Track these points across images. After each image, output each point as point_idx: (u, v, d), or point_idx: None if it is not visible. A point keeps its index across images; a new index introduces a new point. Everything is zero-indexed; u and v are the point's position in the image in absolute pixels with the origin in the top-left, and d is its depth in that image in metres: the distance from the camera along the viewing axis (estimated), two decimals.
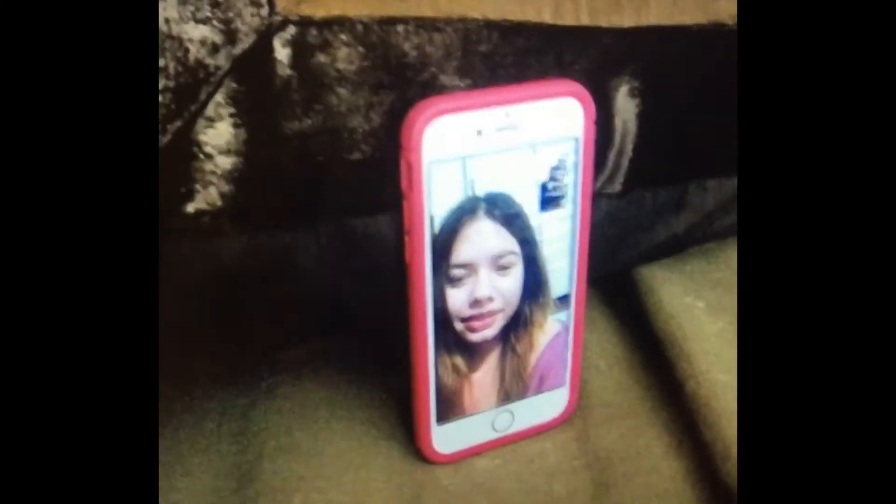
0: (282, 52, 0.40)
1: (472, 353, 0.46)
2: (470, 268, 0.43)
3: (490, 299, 0.44)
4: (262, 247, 0.44)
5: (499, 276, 0.44)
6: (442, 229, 0.42)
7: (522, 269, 0.45)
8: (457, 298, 0.44)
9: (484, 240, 0.43)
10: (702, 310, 0.53)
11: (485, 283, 0.44)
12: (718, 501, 0.46)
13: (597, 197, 0.48)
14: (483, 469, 0.48)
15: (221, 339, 0.48)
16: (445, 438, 0.47)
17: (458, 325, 0.45)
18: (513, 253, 0.44)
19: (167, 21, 0.39)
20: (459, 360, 0.46)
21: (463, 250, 0.43)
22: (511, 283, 0.45)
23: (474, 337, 0.45)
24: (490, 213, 0.43)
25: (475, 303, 0.44)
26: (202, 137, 0.41)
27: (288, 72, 0.41)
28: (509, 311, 0.45)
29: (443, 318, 0.44)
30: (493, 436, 0.48)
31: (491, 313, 0.45)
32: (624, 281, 0.57)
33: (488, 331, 0.46)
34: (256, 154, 0.42)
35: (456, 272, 0.43)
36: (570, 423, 0.50)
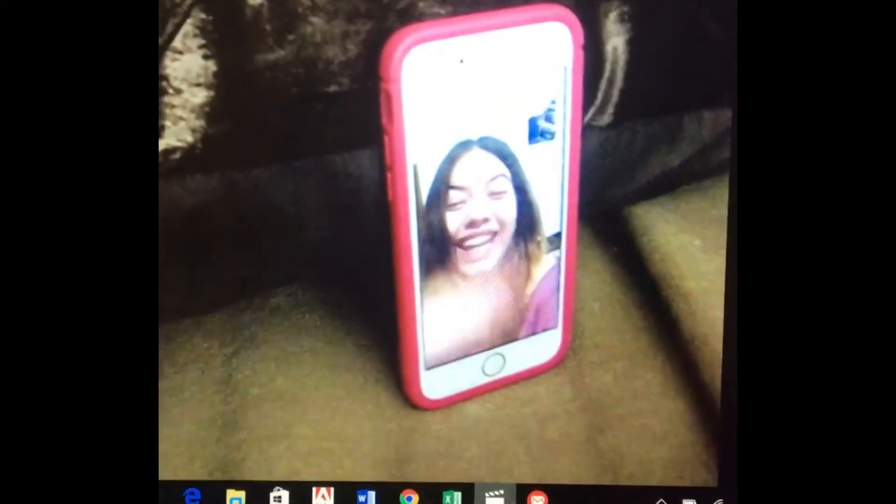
0: None
1: (462, 291, 0.45)
2: (464, 192, 0.42)
3: (485, 220, 0.44)
4: (236, 185, 0.43)
5: (492, 199, 0.43)
6: (427, 161, 0.41)
7: (514, 195, 0.44)
8: (451, 224, 0.43)
9: (475, 167, 0.42)
10: (698, 248, 0.53)
11: (479, 205, 0.43)
12: (718, 442, 0.45)
13: (587, 129, 0.47)
14: (474, 414, 0.47)
15: (198, 285, 0.47)
16: (434, 384, 0.47)
17: (458, 254, 0.44)
18: (503, 176, 0.43)
19: None
20: (448, 301, 0.45)
21: (455, 178, 0.42)
22: (505, 207, 0.44)
23: (470, 269, 0.44)
24: (478, 144, 0.42)
25: (471, 223, 0.43)
26: (170, 71, 0.40)
27: (259, 1, 0.39)
28: (505, 239, 0.44)
29: (434, 252, 0.43)
30: (483, 380, 0.48)
31: (489, 234, 0.44)
32: (617, 220, 0.57)
33: (484, 262, 0.45)
34: (228, 87, 0.41)
35: (450, 198, 0.42)
36: (563, 366, 0.50)
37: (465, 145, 0.41)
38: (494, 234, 0.44)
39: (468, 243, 0.44)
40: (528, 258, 0.46)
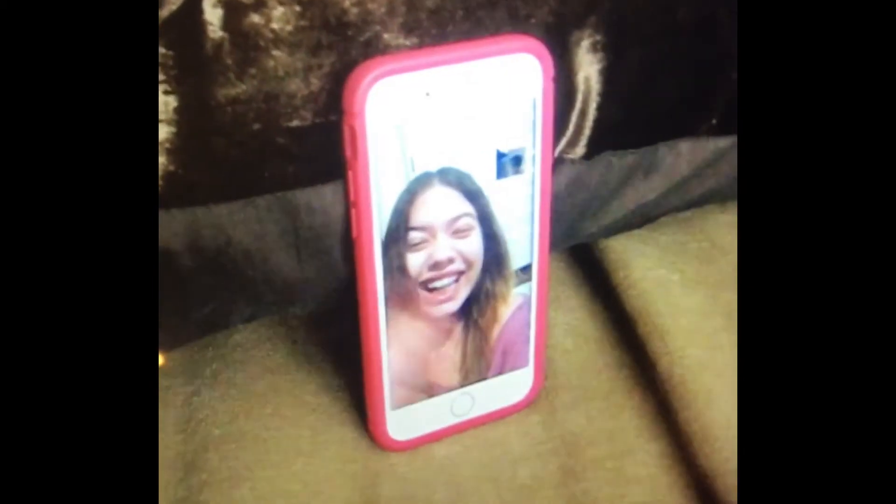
0: (212, 14, 0.40)
1: (429, 330, 0.46)
2: (426, 233, 0.43)
3: (450, 260, 0.45)
4: (198, 222, 0.43)
5: (457, 238, 0.44)
6: (391, 198, 0.42)
7: (480, 232, 0.45)
8: (414, 265, 0.44)
9: (438, 205, 0.43)
10: (676, 283, 0.54)
11: (443, 246, 0.44)
12: (697, 486, 0.46)
13: (558, 162, 0.48)
14: (442, 456, 0.48)
15: (159, 323, 0.47)
16: (401, 424, 0.47)
17: (422, 295, 0.45)
18: (468, 215, 0.44)
19: None
20: (415, 340, 0.46)
21: (416, 217, 0.43)
22: (471, 245, 0.45)
23: (436, 311, 0.45)
24: (442, 180, 0.43)
25: (435, 265, 0.44)
26: None
27: (219, 34, 0.40)
28: (472, 278, 0.46)
29: (398, 291, 0.44)
30: (452, 421, 0.49)
31: (455, 274, 0.45)
32: (591, 254, 0.57)
33: (451, 304, 0.46)
34: (189, 123, 0.41)
35: (411, 238, 0.43)
36: (534, 406, 0.50)
37: (426, 181, 0.42)
38: (461, 273, 0.45)
39: (432, 285, 0.45)
40: (497, 296, 0.47)
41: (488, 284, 0.46)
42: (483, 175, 0.43)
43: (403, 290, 0.44)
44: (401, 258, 0.43)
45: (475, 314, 0.46)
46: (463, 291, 0.45)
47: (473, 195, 0.44)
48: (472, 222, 0.44)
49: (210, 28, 0.40)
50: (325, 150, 0.42)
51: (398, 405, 0.47)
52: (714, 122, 0.51)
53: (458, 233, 0.44)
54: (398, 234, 0.43)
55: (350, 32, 0.41)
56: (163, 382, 0.51)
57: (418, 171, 0.42)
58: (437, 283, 0.45)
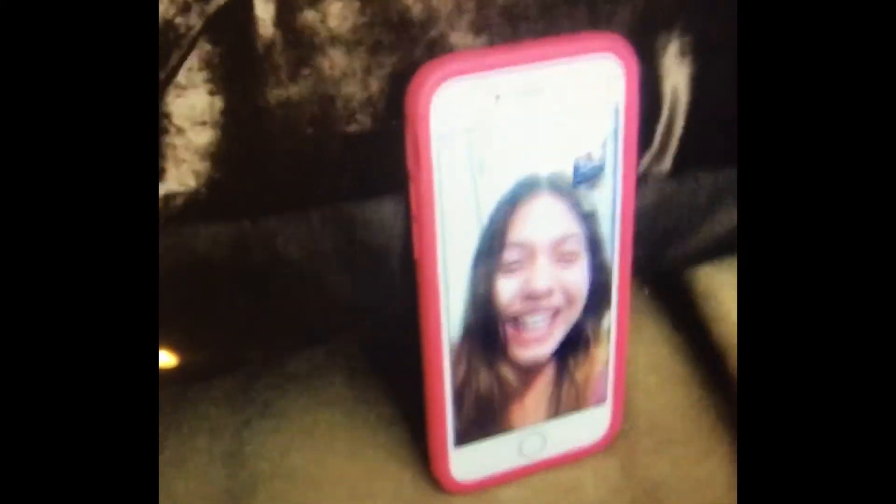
0: (263, 9, 0.38)
1: (504, 370, 0.43)
2: (523, 252, 0.40)
3: (549, 292, 0.41)
4: (245, 235, 0.42)
5: (560, 266, 0.41)
6: (459, 214, 0.39)
7: (587, 262, 0.41)
8: (502, 292, 0.41)
9: (541, 220, 0.40)
10: None
11: (543, 274, 0.41)
12: None
13: (643, 178, 0.45)
14: (508, 500, 0.45)
15: (207, 346, 0.46)
16: (465, 464, 0.44)
17: (503, 332, 0.41)
18: (575, 237, 0.41)
19: None
20: (481, 371, 0.43)
21: (513, 231, 0.40)
22: (575, 277, 0.41)
23: (520, 354, 0.42)
24: (551, 189, 0.39)
25: (529, 295, 0.41)
26: (173, 108, 0.39)
27: (271, 31, 0.38)
28: (570, 318, 0.42)
29: (472, 322, 0.41)
30: (520, 462, 0.46)
31: (551, 311, 0.42)
32: (678, 282, 0.55)
33: (540, 347, 0.42)
34: (236, 127, 0.40)
35: (504, 258, 0.40)
36: (612, 450, 0.47)
37: (530, 187, 0.39)
38: (557, 311, 0.42)
39: (521, 320, 0.42)
40: (591, 336, 0.43)
41: (586, 324, 0.43)
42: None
43: (480, 322, 0.41)
44: (484, 283, 0.40)
45: (567, 359, 0.43)
46: (557, 333, 0.42)
47: (585, 213, 0.40)
48: (579, 248, 0.41)
49: (261, 24, 0.38)
50: (385, 159, 0.40)
51: (462, 442, 0.44)
52: None
53: (563, 259, 0.41)
54: (484, 253, 0.40)
55: (413, 31, 0.40)
56: (209, 411, 0.49)
57: (521, 176, 0.39)
58: (527, 319, 0.41)
